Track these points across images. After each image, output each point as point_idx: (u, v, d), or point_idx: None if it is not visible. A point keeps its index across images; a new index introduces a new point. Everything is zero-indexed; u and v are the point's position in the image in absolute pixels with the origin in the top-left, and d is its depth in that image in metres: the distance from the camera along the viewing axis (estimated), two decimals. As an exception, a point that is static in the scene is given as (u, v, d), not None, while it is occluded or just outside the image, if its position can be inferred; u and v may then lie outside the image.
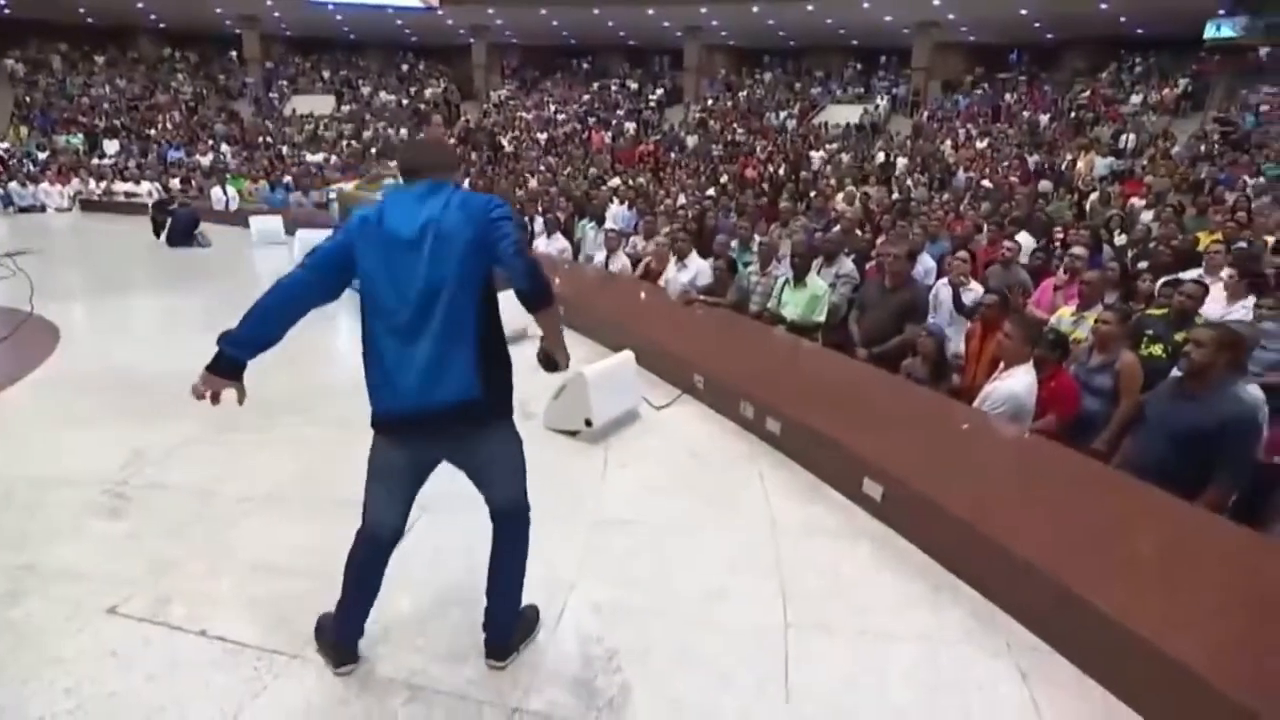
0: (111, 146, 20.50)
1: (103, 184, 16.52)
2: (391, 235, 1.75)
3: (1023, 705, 1.94)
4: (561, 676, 2.00)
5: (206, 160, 19.89)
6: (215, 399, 1.77)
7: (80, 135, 20.53)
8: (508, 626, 2.03)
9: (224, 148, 21.33)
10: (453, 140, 20.66)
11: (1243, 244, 5.90)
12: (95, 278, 8.17)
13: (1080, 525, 2.45)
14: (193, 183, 16.83)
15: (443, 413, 1.76)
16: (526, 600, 2.14)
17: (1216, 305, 4.49)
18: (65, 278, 7.66)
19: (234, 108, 24.61)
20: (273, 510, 2.78)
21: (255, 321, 1.77)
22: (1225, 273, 4.98)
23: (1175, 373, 3.17)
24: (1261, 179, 11.99)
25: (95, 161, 18.62)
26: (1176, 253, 5.90)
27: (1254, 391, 3.08)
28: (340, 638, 1.99)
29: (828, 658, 2.10)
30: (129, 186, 16.27)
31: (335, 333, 5.09)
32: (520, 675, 1.99)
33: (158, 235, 10.31)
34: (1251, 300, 4.35)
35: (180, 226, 10.12)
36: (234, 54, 26.49)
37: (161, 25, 26.04)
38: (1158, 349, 3.78)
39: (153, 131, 21.93)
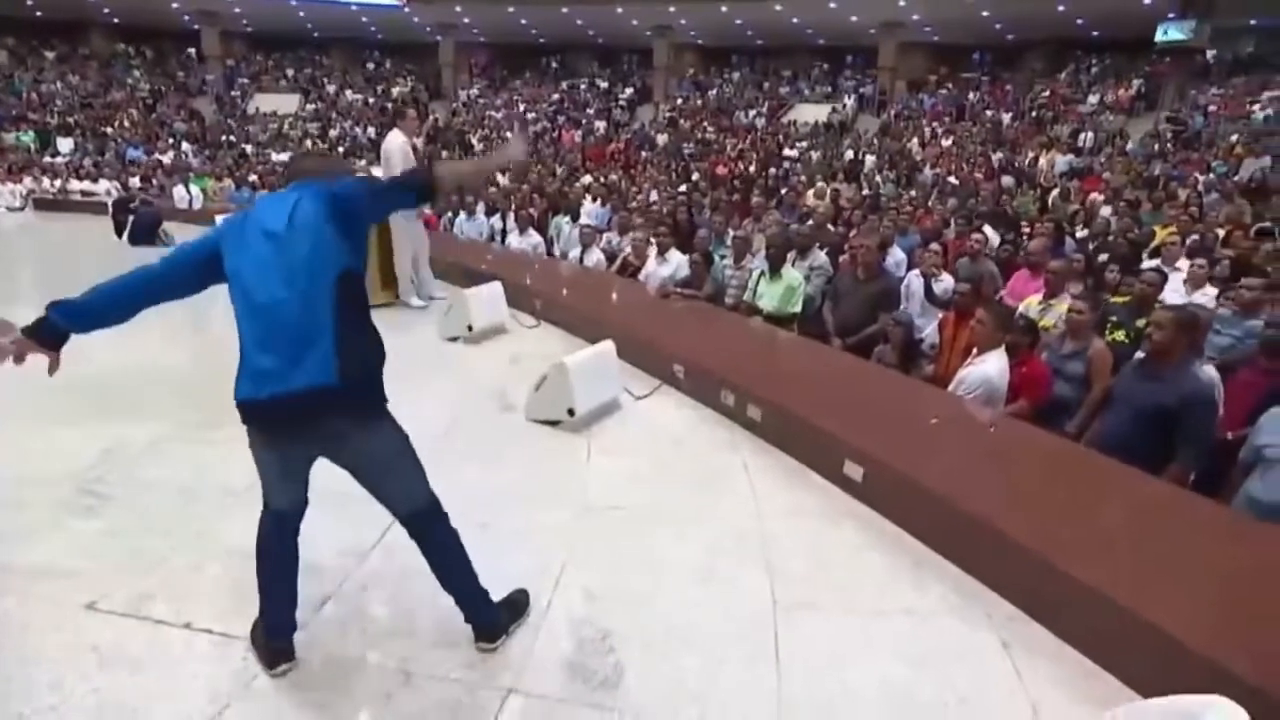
0: (65, 144, 19.89)
1: (57, 182, 15.98)
2: (259, 227, 1.76)
3: (1005, 674, 2.00)
4: (554, 658, 2.01)
5: (167, 159, 19.39)
6: (19, 360, 1.69)
7: (32, 132, 19.86)
8: (484, 610, 2.01)
9: (185, 146, 20.82)
10: (421, 139, 20.44)
11: (1195, 236, 6.16)
12: (55, 277, 7.88)
13: (1055, 501, 2.54)
14: (154, 181, 16.38)
15: (299, 398, 1.65)
16: (515, 585, 2.16)
17: (1175, 294, 4.67)
18: (23, 277, 7.42)
19: (194, 105, 24.02)
20: (256, 505, 2.73)
21: (98, 298, 1.74)
22: (1182, 263, 5.20)
23: (1139, 354, 3.31)
24: (1211, 175, 12.46)
25: (49, 159, 18.02)
26: (1131, 244, 6.14)
27: (1210, 372, 3.25)
28: (271, 635, 1.90)
29: (816, 635, 2.14)
30: (86, 185, 15.77)
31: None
32: (513, 658, 1.99)
33: (120, 235, 10.04)
34: (1212, 290, 4.55)
35: (142, 225, 9.88)
36: (192, 51, 25.83)
37: (115, 20, 25.31)
38: (1120, 334, 3.93)
39: (109, 129, 21.30)
